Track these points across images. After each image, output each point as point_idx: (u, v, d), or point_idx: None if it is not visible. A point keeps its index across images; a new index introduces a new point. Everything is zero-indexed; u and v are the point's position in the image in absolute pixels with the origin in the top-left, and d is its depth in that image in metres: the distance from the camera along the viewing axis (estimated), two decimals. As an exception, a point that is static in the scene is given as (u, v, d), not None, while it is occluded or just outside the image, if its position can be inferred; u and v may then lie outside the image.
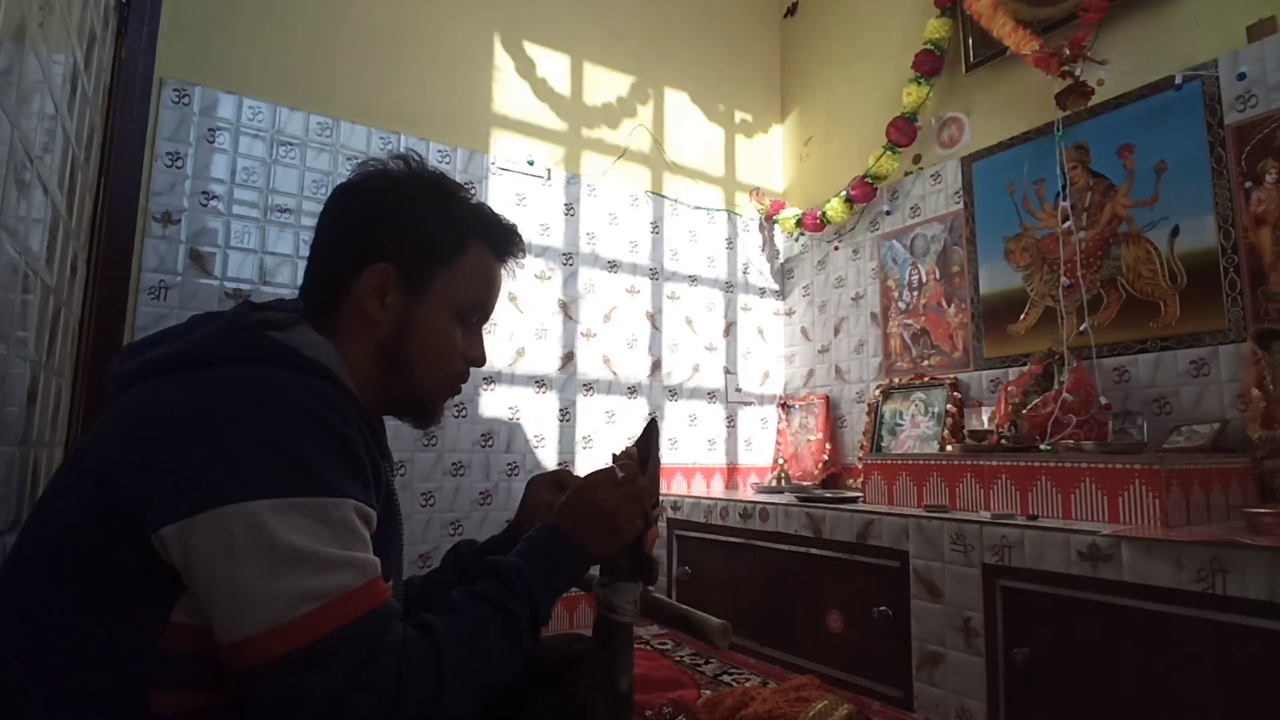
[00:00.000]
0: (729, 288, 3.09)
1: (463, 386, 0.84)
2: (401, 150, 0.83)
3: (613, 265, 2.78)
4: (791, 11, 3.33)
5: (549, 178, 2.68)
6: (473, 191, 0.85)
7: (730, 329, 3.06)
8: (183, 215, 2.06)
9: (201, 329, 0.68)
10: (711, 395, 2.97)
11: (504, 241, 0.82)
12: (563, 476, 0.96)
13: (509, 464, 2.48)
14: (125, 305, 1.88)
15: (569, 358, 2.64)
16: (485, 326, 0.86)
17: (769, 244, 3.21)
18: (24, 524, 0.63)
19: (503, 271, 0.84)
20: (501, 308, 2.54)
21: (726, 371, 3.02)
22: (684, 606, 0.88)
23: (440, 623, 0.63)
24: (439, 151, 2.48)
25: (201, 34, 2.13)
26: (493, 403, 2.48)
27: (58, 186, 1.02)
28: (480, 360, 0.82)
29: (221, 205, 2.12)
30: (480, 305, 0.81)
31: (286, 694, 0.53)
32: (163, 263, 2.02)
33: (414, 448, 2.32)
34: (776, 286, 3.22)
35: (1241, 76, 1.77)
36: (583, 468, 2.62)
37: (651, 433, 0.89)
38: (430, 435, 2.33)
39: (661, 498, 2.58)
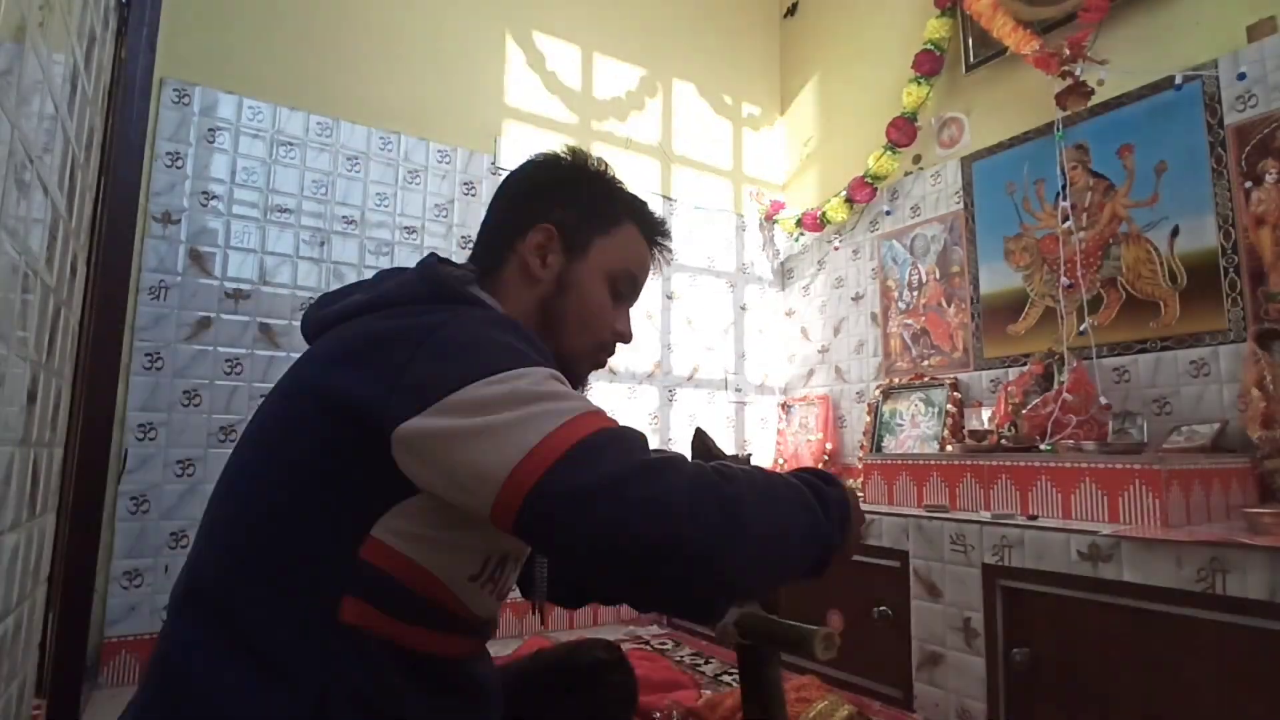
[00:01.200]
0: (729, 287, 3.09)
1: (608, 357, 0.85)
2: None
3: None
4: (791, 11, 3.33)
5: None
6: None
7: (730, 328, 3.06)
8: (183, 215, 2.06)
9: (393, 279, 0.74)
10: (711, 395, 2.97)
11: (655, 227, 0.88)
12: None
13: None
14: (125, 305, 1.88)
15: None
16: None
17: (769, 244, 3.22)
18: (238, 447, 0.68)
19: (650, 259, 0.87)
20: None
21: (726, 371, 3.02)
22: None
23: (739, 474, 0.60)
24: (439, 152, 2.48)
25: (201, 34, 2.13)
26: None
27: (58, 186, 1.02)
28: (627, 336, 0.84)
29: (221, 205, 2.12)
30: (631, 278, 0.84)
31: (567, 491, 0.53)
32: (163, 263, 2.03)
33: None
34: (777, 286, 3.22)
35: (1241, 76, 1.77)
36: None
37: (705, 440, 0.84)
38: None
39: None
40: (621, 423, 0.60)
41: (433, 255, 0.77)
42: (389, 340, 0.62)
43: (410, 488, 0.59)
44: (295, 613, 0.59)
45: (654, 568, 0.53)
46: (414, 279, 0.72)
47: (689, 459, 0.61)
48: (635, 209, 0.86)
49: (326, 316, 0.72)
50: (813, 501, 0.64)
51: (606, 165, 0.87)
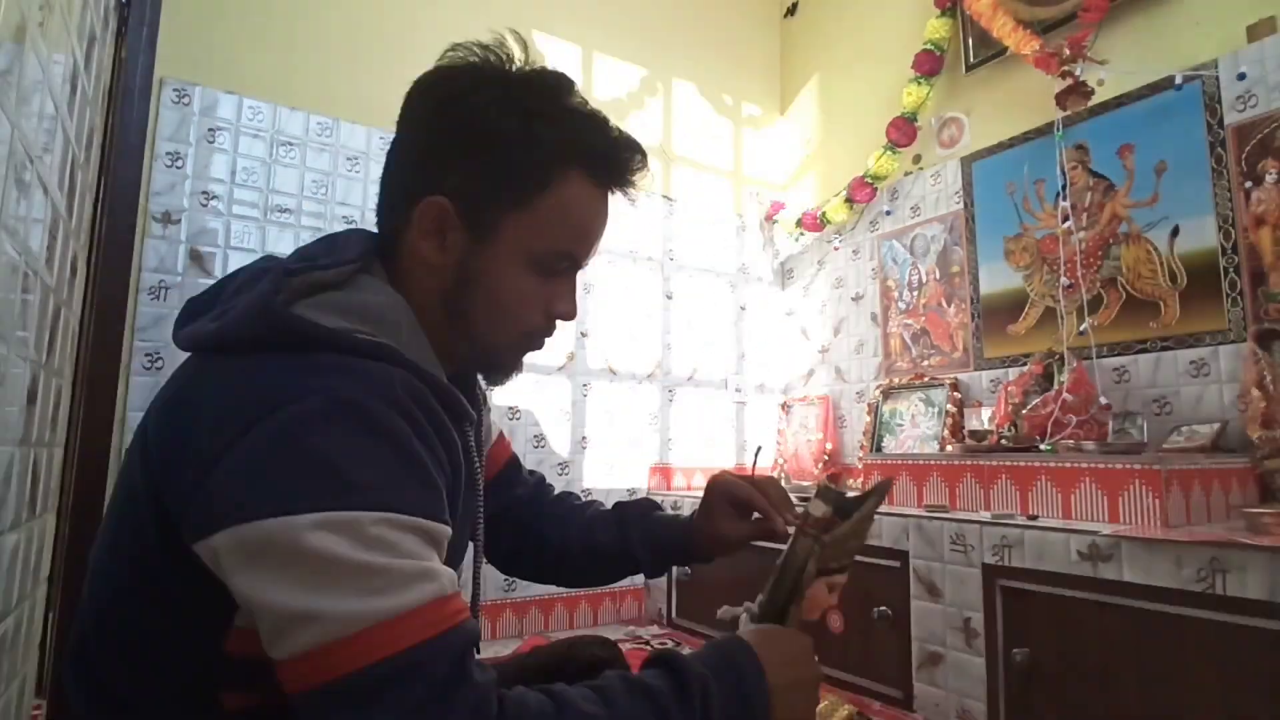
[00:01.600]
0: (729, 287, 3.09)
1: (545, 340, 0.70)
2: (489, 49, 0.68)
3: (612, 264, 2.78)
4: (791, 11, 3.33)
5: (549, 178, 2.68)
6: (578, 98, 0.66)
7: (730, 329, 3.06)
8: (183, 215, 2.06)
9: (243, 298, 0.57)
10: (711, 395, 2.97)
11: (612, 163, 0.65)
12: (744, 494, 0.85)
13: (509, 464, 2.48)
14: (125, 305, 1.88)
15: (569, 357, 2.64)
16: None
17: (769, 244, 3.21)
18: (109, 504, 0.62)
19: (609, 200, 0.68)
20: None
21: (726, 371, 3.02)
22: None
23: (579, 700, 0.52)
24: (439, 151, 2.48)
25: (201, 34, 2.13)
26: (493, 402, 2.48)
27: (58, 186, 1.02)
28: (568, 315, 0.68)
29: (221, 205, 2.12)
30: (568, 254, 0.65)
31: None
32: (163, 263, 2.03)
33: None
34: (777, 286, 3.22)
35: (1241, 76, 1.77)
36: (585, 467, 2.63)
37: (876, 496, 0.75)
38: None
39: (662, 497, 2.58)
40: (450, 622, 0.49)
41: (285, 264, 0.60)
42: (200, 427, 0.52)
43: None
44: (179, 707, 0.55)
45: None
46: (253, 314, 0.54)
47: (506, 694, 0.49)
48: (578, 149, 0.64)
49: (181, 339, 0.60)
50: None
51: (541, 76, 0.66)
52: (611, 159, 0.65)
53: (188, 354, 0.60)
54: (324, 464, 0.48)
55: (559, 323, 0.69)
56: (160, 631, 0.55)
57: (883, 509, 1.84)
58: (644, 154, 0.68)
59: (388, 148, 0.69)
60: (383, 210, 0.67)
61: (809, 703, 0.65)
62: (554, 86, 0.66)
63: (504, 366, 0.70)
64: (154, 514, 0.53)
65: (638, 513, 0.91)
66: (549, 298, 0.66)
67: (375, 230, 0.69)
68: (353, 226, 0.70)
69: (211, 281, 0.67)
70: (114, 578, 0.57)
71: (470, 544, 0.75)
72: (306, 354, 0.53)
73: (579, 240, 0.66)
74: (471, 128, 0.62)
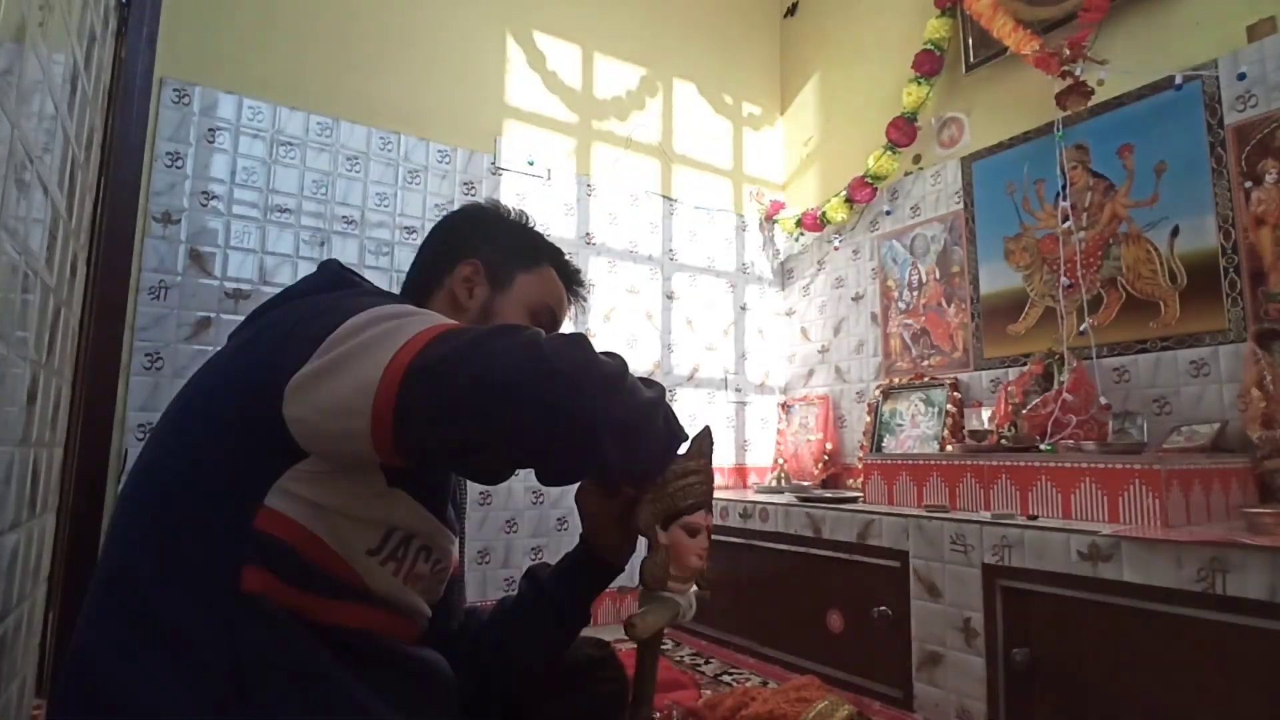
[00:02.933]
0: (729, 287, 3.09)
1: None
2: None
3: (612, 265, 2.78)
4: (791, 11, 3.33)
5: (549, 177, 2.68)
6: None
7: (730, 329, 3.06)
8: (183, 215, 2.06)
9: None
10: (711, 395, 2.97)
11: (571, 273, 0.95)
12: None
13: (509, 464, 2.49)
14: (125, 305, 1.88)
15: (569, 358, 2.64)
16: None
17: (769, 244, 3.21)
18: (160, 420, 0.70)
19: (566, 301, 0.94)
20: (501, 308, 2.53)
21: (726, 371, 3.02)
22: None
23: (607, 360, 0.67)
24: (439, 152, 2.48)
25: (201, 34, 2.13)
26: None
27: (58, 186, 1.02)
28: None
29: (221, 205, 2.12)
30: (550, 312, 0.90)
31: (431, 364, 0.57)
32: (163, 263, 2.02)
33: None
34: (777, 286, 3.22)
35: (1241, 76, 1.77)
36: (583, 468, 2.62)
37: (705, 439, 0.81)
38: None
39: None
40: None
41: (332, 260, 0.81)
42: (282, 319, 0.67)
43: (299, 452, 0.61)
44: (197, 587, 0.59)
45: (530, 394, 0.58)
46: (315, 274, 0.77)
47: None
48: (553, 253, 0.94)
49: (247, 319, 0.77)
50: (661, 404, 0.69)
51: (525, 214, 0.96)
52: (571, 270, 0.95)
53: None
54: (375, 300, 0.67)
55: None
56: (197, 516, 0.61)
57: (883, 509, 1.84)
58: (583, 283, 0.98)
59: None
60: (418, 277, 0.90)
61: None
62: (532, 222, 0.97)
63: None
64: (226, 405, 0.63)
65: (541, 566, 0.97)
66: None
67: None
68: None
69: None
70: (155, 486, 0.64)
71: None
72: (361, 295, 0.72)
73: (558, 305, 0.92)
74: (495, 221, 0.93)
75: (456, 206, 0.99)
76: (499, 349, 0.59)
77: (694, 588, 0.80)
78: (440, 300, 0.86)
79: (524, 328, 0.63)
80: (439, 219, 0.96)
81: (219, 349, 0.73)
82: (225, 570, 0.59)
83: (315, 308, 0.66)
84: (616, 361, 0.66)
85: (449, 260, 0.87)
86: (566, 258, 0.96)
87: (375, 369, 0.57)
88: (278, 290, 0.77)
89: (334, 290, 0.73)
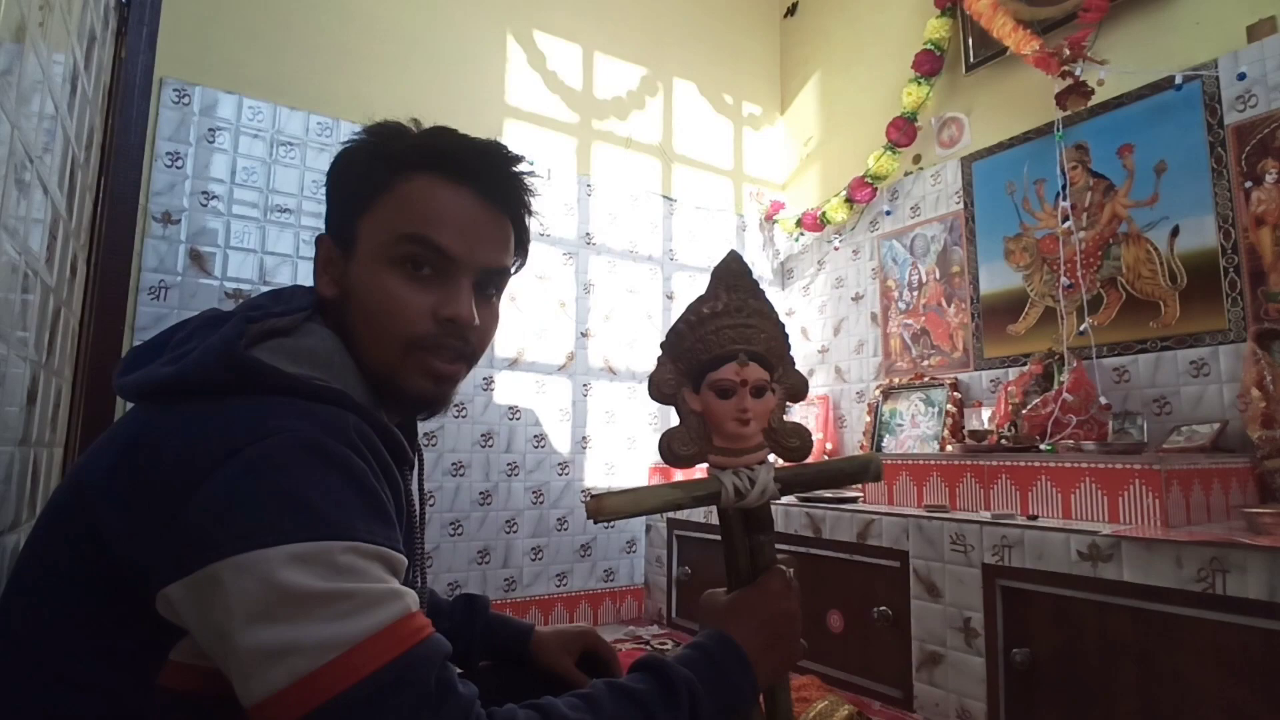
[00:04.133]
0: (729, 288, 3.09)
1: (450, 354, 0.67)
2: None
3: (613, 265, 2.78)
4: (791, 11, 3.33)
5: (549, 177, 2.68)
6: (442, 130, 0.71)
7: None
8: (183, 215, 2.06)
9: (199, 342, 0.59)
10: (711, 395, 2.97)
11: (463, 160, 0.67)
12: (588, 641, 0.93)
13: (509, 464, 2.49)
14: (125, 305, 1.88)
15: (570, 357, 2.64)
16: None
17: (769, 244, 3.22)
18: (24, 546, 0.59)
19: (474, 195, 0.67)
20: (502, 307, 2.54)
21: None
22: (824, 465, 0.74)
23: (564, 709, 0.53)
24: (439, 151, 2.48)
25: (201, 34, 2.13)
26: (493, 403, 2.48)
27: (58, 186, 1.02)
28: (459, 317, 0.65)
29: (221, 205, 2.12)
30: (419, 239, 0.64)
31: None
32: (163, 263, 2.03)
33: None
34: (777, 286, 3.22)
35: (1241, 76, 1.77)
36: (585, 467, 2.63)
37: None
38: (430, 435, 2.33)
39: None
40: (423, 634, 0.50)
41: (248, 307, 0.63)
42: (163, 467, 0.52)
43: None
44: None
45: None
46: (212, 357, 0.56)
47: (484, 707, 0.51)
48: (426, 154, 0.67)
49: (127, 386, 0.60)
50: (658, 708, 0.56)
51: (400, 124, 0.70)
52: (460, 153, 0.67)
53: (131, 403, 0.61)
54: (291, 498, 0.49)
55: (473, 335, 0.68)
56: (87, 664, 0.52)
57: (883, 509, 1.84)
58: (507, 152, 0.71)
59: None
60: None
61: (792, 648, 0.69)
62: (411, 128, 0.70)
63: (409, 390, 0.66)
64: (94, 558, 0.52)
65: (484, 604, 0.95)
66: (434, 303, 0.65)
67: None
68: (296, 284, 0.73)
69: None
70: (35, 610, 0.55)
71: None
72: (267, 397, 0.55)
73: (428, 224, 0.65)
74: (335, 172, 0.70)
75: None
76: None
77: (767, 458, 0.67)
78: (325, 305, 0.67)
79: (428, 679, 0.48)
80: None
81: (109, 431, 0.59)
82: None
83: (206, 463, 0.50)
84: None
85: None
86: (456, 142, 0.68)
87: (262, 684, 0.46)
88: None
89: (240, 395, 0.55)
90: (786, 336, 0.73)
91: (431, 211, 0.65)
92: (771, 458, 0.68)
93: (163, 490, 0.51)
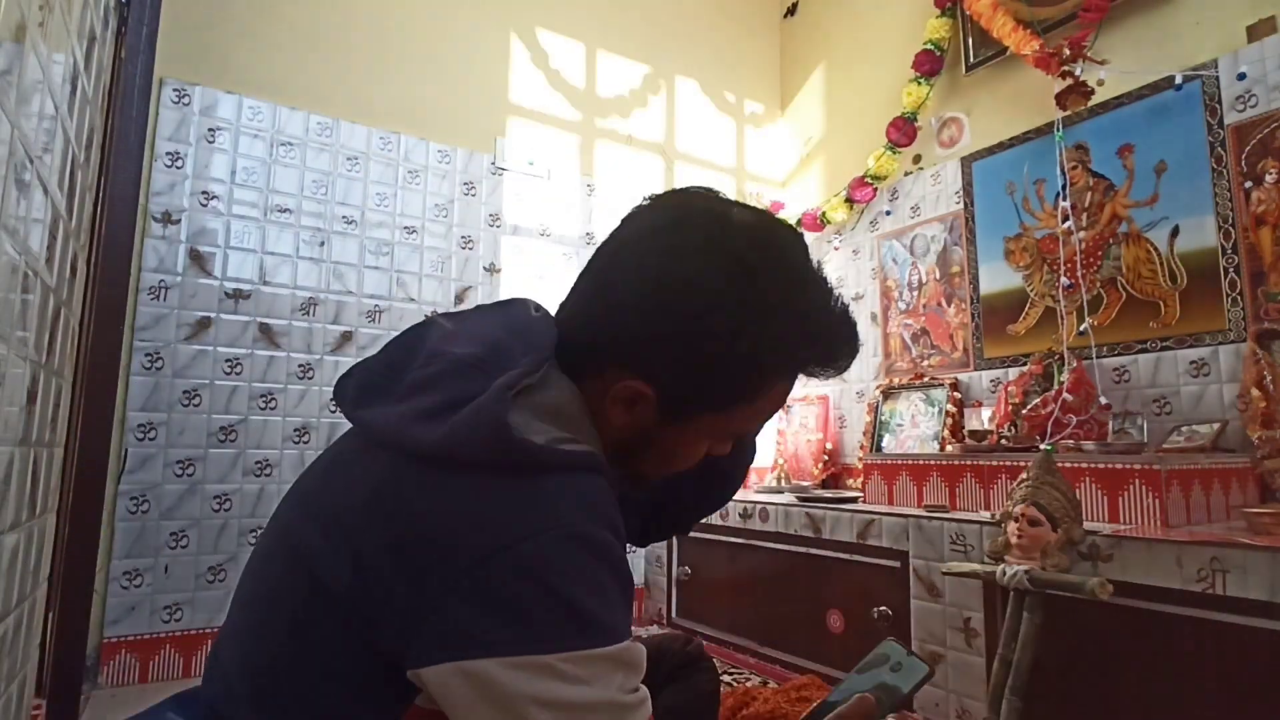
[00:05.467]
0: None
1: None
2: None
3: (613, 265, 2.78)
4: (791, 11, 3.33)
5: (549, 177, 2.68)
6: (812, 277, 0.67)
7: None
8: (183, 215, 2.06)
9: (444, 394, 0.57)
10: (711, 395, 2.97)
11: (831, 363, 0.65)
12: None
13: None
14: (125, 305, 1.88)
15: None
16: None
17: (769, 244, 3.21)
18: (258, 561, 0.61)
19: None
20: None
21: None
22: None
23: None
24: (439, 152, 2.48)
25: (201, 34, 2.13)
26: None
27: (58, 186, 1.02)
28: (723, 455, 0.71)
29: (221, 205, 2.12)
30: (751, 433, 0.74)
31: None
32: (163, 263, 2.03)
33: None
34: (776, 286, 3.22)
35: (1241, 76, 1.77)
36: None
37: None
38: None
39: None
40: None
41: (500, 348, 0.60)
42: (437, 543, 0.51)
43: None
44: None
45: None
46: (487, 435, 0.53)
47: None
48: (797, 363, 0.64)
49: (364, 421, 0.60)
50: None
51: (770, 268, 0.61)
52: (824, 364, 0.65)
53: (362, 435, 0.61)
54: (563, 602, 0.50)
55: None
56: (334, 702, 0.54)
57: (883, 509, 1.84)
58: (856, 344, 0.67)
59: (615, 251, 0.69)
60: (577, 328, 0.65)
61: None
62: (788, 279, 0.63)
63: (650, 479, 0.71)
64: (352, 614, 0.53)
65: None
66: (712, 446, 0.69)
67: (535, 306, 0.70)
68: (522, 299, 0.70)
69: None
70: (279, 643, 0.56)
71: None
72: (532, 478, 0.54)
73: (765, 422, 0.69)
74: (696, 341, 0.60)
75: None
76: None
77: None
78: (594, 389, 0.63)
79: None
80: (649, 246, 0.64)
81: (336, 463, 0.61)
82: None
83: (479, 552, 0.50)
84: None
85: (615, 355, 0.62)
86: (837, 339, 0.65)
87: None
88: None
89: (509, 475, 0.54)
90: None
91: (772, 412, 0.67)
92: None
93: (426, 567, 0.51)
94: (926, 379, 2.48)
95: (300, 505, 0.61)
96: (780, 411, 3.05)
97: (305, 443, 2.18)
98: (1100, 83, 1.99)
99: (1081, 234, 2.07)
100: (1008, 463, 1.72)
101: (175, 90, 2.08)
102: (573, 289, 0.68)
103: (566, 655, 0.48)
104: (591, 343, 0.63)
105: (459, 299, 2.46)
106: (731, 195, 2.58)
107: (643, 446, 0.65)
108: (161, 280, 2.02)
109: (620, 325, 0.61)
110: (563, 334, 0.64)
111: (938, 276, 2.52)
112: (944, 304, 2.49)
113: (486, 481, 0.53)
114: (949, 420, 2.32)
